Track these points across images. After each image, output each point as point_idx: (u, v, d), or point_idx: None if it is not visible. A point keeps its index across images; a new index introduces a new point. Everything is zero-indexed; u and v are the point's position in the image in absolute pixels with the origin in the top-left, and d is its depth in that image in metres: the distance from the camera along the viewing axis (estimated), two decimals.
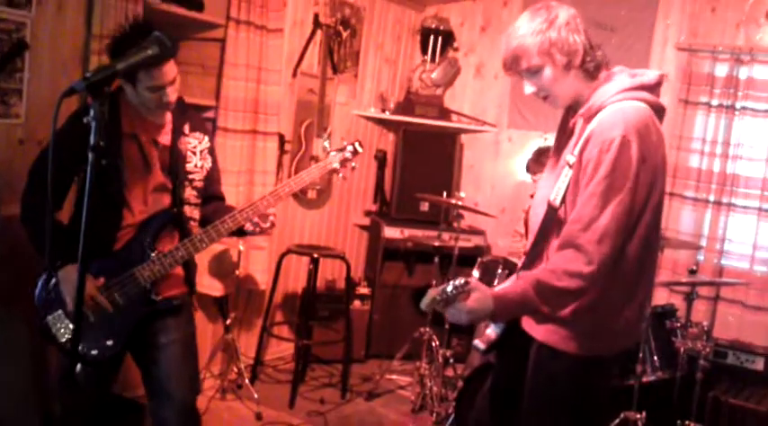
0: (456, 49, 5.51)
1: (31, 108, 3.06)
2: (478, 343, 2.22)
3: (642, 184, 1.93)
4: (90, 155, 1.49)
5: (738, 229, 4.41)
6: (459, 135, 5.39)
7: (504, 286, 2.07)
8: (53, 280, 2.38)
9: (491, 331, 2.17)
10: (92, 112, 1.49)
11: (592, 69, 2.03)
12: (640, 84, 2.01)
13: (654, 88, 2.04)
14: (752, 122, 4.34)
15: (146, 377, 2.55)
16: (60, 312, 2.39)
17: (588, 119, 2.01)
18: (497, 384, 2.45)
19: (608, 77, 2.05)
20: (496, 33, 5.39)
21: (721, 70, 4.41)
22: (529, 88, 2.08)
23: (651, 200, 1.99)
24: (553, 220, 2.06)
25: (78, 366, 2.31)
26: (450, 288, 1.89)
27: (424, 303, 1.95)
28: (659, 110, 2.05)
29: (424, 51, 5.39)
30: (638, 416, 3.33)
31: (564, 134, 2.19)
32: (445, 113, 5.40)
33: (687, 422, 3.50)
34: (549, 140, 4.83)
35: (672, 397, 3.55)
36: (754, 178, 4.34)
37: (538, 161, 4.13)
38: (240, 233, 2.61)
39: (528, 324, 2.17)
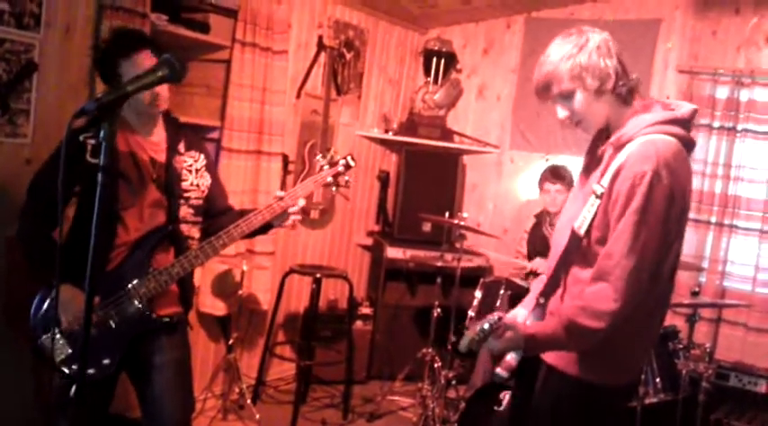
0: (459, 71, 5.56)
1: (38, 128, 3.09)
2: (501, 372, 2.19)
3: (672, 220, 1.92)
4: (100, 176, 1.51)
5: (740, 251, 4.41)
6: (462, 156, 5.41)
7: (535, 322, 2.11)
8: (49, 299, 2.38)
9: (511, 357, 2.15)
10: (102, 133, 1.50)
11: (625, 94, 2.01)
12: (673, 118, 1.98)
13: (686, 122, 2.01)
14: (753, 144, 4.37)
15: (140, 396, 2.55)
16: (55, 331, 2.37)
17: (618, 149, 1.99)
18: (518, 408, 2.44)
19: (643, 107, 2.03)
20: (499, 55, 5.44)
21: (722, 92, 4.45)
22: (562, 113, 2.06)
23: (678, 237, 1.99)
24: (577, 248, 2.04)
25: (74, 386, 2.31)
26: (486, 326, 1.98)
27: (463, 345, 2.01)
28: (689, 145, 2.02)
29: (427, 73, 5.43)
30: None
31: (593, 158, 2.16)
32: (448, 134, 5.44)
33: None
34: (551, 161, 4.87)
35: (674, 419, 3.53)
36: (756, 200, 4.36)
37: (555, 174, 4.21)
38: (266, 228, 2.60)
39: None
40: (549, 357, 2.13)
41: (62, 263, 2.25)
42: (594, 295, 1.94)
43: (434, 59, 5.37)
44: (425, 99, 5.37)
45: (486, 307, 3.91)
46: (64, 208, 2.46)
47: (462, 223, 4.30)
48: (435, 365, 4.28)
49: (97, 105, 1.50)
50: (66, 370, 2.36)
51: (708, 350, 3.64)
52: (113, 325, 2.39)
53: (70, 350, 2.36)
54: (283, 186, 4.50)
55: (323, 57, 4.71)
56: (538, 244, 4.41)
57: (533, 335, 2.01)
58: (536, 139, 5.25)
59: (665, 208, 1.89)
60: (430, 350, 4.30)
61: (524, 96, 5.30)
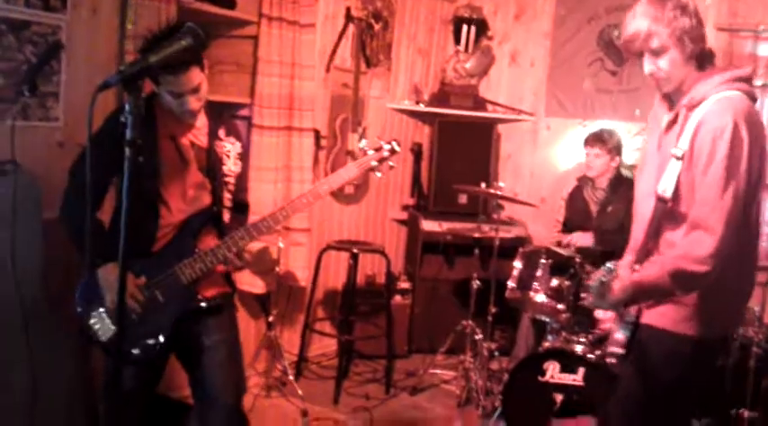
0: (490, 38, 5.44)
1: (69, 110, 3.08)
2: (616, 350, 2.23)
3: (753, 167, 2.02)
4: (127, 150, 1.48)
5: None
6: (496, 125, 5.32)
7: (639, 272, 2.16)
8: (93, 280, 2.39)
9: (620, 334, 2.21)
10: (127, 107, 1.47)
11: (704, 59, 2.13)
12: (738, 76, 2.10)
13: (749, 79, 2.14)
14: None
15: (191, 379, 2.56)
16: (102, 311, 2.40)
17: (691, 109, 2.09)
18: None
19: (708, 71, 2.13)
20: (531, 20, 5.31)
21: (764, 49, 4.29)
22: (649, 67, 2.13)
23: (760, 184, 2.09)
24: (664, 212, 2.12)
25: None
26: (605, 279, 2.11)
27: (590, 302, 2.17)
28: (753, 98, 2.14)
29: (458, 41, 5.32)
30: None
31: (658, 122, 2.25)
32: (480, 103, 5.34)
33: (740, 411, 3.41)
34: (589, 127, 4.75)
35: (724, 385, 3.45)
36: None
37: (594, 137, 4.20)
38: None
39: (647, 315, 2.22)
40: (653, 318, 2.20)
41: (107, 243, 2.24)
42: (691, 243, 2.03)
43: (464, 27, 5.25)
44: (457, 68, 5.27)
45: (526, 277, 3.83)
46: (105, 189, 2.45)
47: (499, 192, 4.22)
48: (476, 337, 4.24)
49: (120, 77, 1.47)
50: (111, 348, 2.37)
51: (757, 313, 3.53)
52: (159, 306, 2.39)
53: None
54: (316, 161, 4.46)
55: (351, 29, 4.64)
56: (577, 209, 4.33)
57: (639, 283, 2.09)
58: (572, 105, 5.13)
59: (748, 155, 1.99)
60: (470, 322, 4.26)
61: (559, 62, 5.17)
